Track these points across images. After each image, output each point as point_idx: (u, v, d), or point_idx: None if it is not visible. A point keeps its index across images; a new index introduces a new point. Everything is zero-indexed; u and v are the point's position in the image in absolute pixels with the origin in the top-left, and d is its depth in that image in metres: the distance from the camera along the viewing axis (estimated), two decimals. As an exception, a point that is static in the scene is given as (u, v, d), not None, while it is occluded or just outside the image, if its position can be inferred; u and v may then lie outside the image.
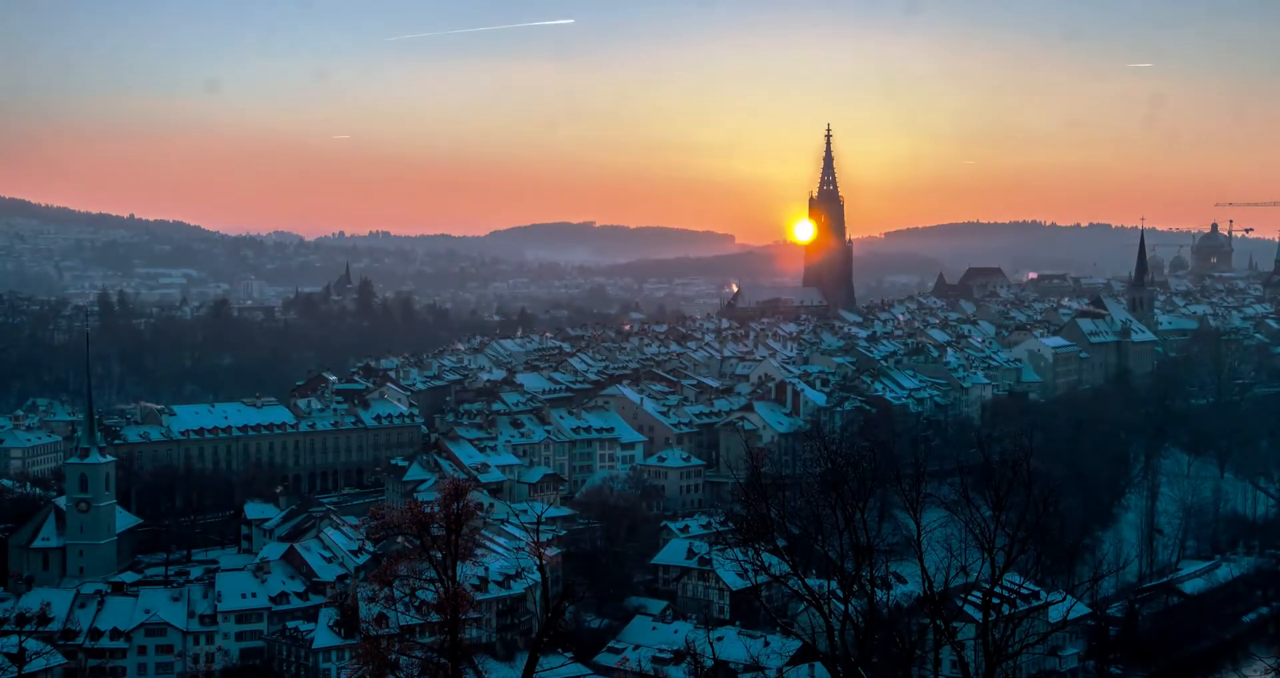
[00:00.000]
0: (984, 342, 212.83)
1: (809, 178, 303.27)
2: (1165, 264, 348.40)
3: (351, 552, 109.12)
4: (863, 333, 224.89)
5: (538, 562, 49.94)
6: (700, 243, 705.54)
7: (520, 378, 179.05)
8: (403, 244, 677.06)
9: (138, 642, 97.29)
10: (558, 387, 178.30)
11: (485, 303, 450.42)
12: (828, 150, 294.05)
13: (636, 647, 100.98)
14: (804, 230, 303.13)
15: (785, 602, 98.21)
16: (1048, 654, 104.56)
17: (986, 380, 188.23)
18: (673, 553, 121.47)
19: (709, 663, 70.94)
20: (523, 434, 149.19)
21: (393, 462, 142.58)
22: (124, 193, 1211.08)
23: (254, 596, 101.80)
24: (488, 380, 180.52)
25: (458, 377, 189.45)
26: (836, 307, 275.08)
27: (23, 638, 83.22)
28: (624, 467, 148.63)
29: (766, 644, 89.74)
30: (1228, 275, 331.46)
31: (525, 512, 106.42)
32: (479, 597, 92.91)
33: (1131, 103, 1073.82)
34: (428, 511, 42.48)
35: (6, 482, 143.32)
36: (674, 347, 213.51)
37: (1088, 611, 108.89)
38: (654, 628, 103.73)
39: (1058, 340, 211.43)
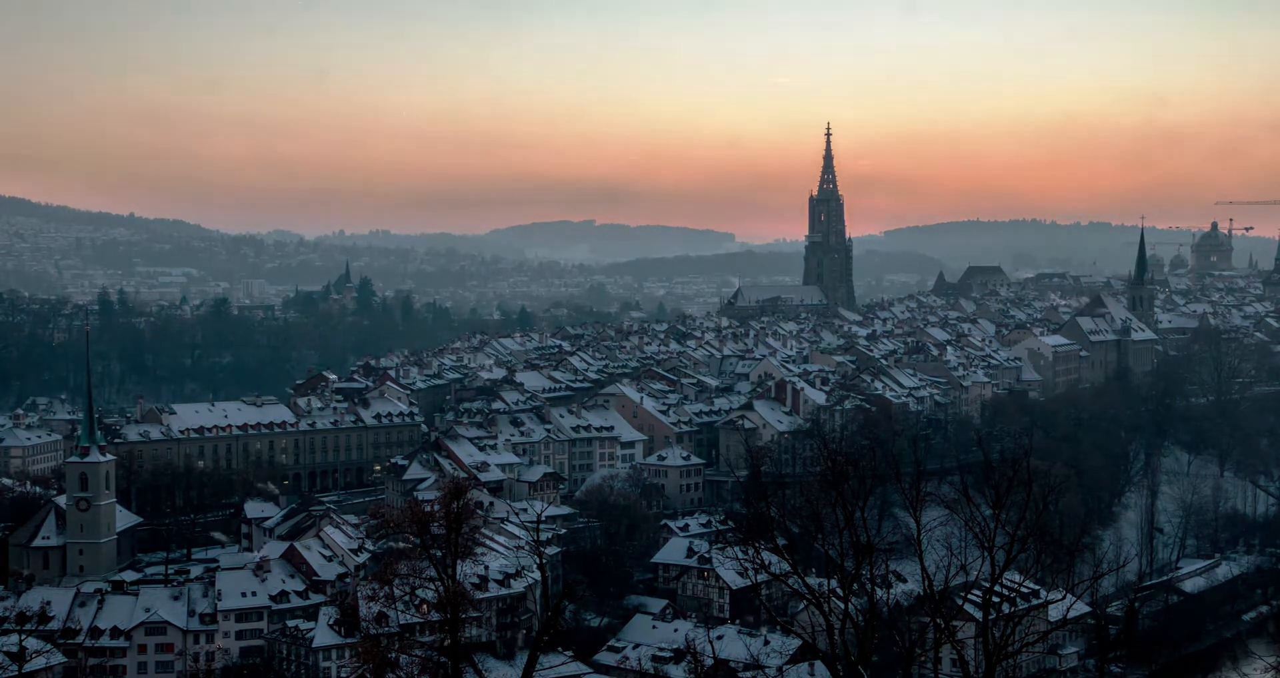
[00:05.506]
0: (984, 340, 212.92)
1: (809, 177, 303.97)
2: (1165, 263, 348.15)
3: (352, 551, 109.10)
4: (862, 331, 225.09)
5: (538, 561, 50.05)
6: (700, 242, 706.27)
7: (520, 377, 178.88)
8: (403, 243, 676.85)
9: (138, 641, 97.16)
10: (558, 385, 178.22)
11: (485, 301, 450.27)
12: (828, 150, 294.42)
13: (636, 645, 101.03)
14: (803, 229, 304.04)
15: (785, 600, 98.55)
16: (1047, 653, 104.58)
17: (986, 379, 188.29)
18: (672, 552, 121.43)
19: (709, 662, 71.02)
20: (523, 433, 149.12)
21: (393, 461, 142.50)
22: (124, 192, 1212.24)
23: (254, 594, 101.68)
24: (488, 379, 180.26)
25: (458, 375, 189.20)
26: (836, 305, 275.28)
27: (23, 637, 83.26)
28: (624, 465, 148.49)
29: (766, 643, 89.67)
30: (1227, 274, 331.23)
31: (525, 511, 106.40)
32: (479, 596, 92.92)
33: (1132, 101, 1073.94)
34: (428, 509, 42.58)
35: (6, 481, 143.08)
36: (674, 345, 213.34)
37: (1087, 609, 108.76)
38: (654, 627, 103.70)
39: (1058, 339, 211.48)
